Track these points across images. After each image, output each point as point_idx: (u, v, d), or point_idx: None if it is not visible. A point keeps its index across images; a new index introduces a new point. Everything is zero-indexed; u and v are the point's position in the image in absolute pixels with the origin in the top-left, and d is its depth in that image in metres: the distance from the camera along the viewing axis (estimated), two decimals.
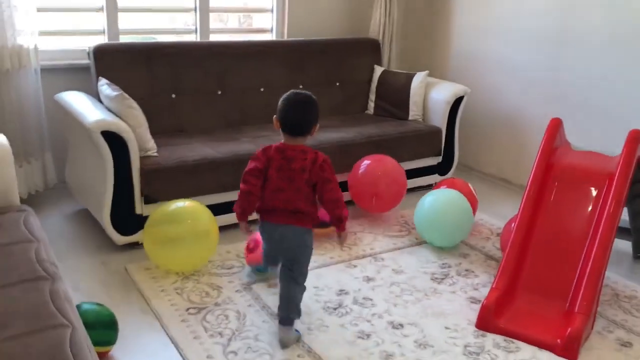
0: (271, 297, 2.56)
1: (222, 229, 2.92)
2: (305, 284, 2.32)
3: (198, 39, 3.92)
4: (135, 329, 2.33)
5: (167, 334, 2.31)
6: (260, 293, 2.60)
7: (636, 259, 3.14)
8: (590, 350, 2.31)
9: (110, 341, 2.15)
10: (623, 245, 3.13)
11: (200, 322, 2.37)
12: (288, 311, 2.26)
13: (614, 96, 3.48)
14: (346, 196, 2.95)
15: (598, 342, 2.37)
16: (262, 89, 3.80)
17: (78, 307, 2.09)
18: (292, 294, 2.26)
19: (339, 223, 2.23)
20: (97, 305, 2.17)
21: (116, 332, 2.16)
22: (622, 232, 2.99)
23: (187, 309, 2.46)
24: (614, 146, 2.89)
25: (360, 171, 3.37)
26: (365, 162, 3.38)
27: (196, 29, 3.92)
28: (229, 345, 2.23)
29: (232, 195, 3.11)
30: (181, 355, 2.19)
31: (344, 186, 3.25)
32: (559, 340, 2.28)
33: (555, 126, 2.82)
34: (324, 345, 2.26)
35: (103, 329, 2.10)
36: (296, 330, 2.31)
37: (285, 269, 2.26)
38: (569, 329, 2.27)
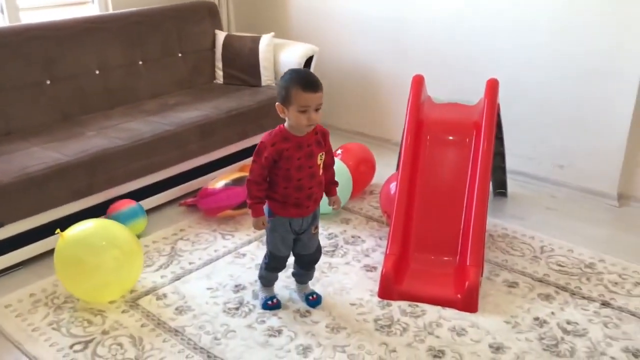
0: (162, 310, 2.34)
1: None
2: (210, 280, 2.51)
3: (6, 21, 3.35)
4: None
5: None
6: (149, 308, 2.36)
7: (496, 196, 3.36)
8: (486, 298, 2.42)
9: None
10: None
11: (91, 358, 2.09)
12: None
13: (459, 43, 3.61)
14: None
15: (490, 288, 2.50)
16: (97, 72, 3.37)
17: None
18: None
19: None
20: None
21: None
22: None
23: (71, 346, 2.15)
24: (460, 92, 3.09)
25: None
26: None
27: (1, 8, 3.35)
28: None
29: (88, 202, 2.79)
30: None
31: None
32: (459, 295, 2.37)
33: (419, 83, 2.84)
34: (236, 353, 2.12)
35: None
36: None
37: None
38: (466, 283, 2.36)
